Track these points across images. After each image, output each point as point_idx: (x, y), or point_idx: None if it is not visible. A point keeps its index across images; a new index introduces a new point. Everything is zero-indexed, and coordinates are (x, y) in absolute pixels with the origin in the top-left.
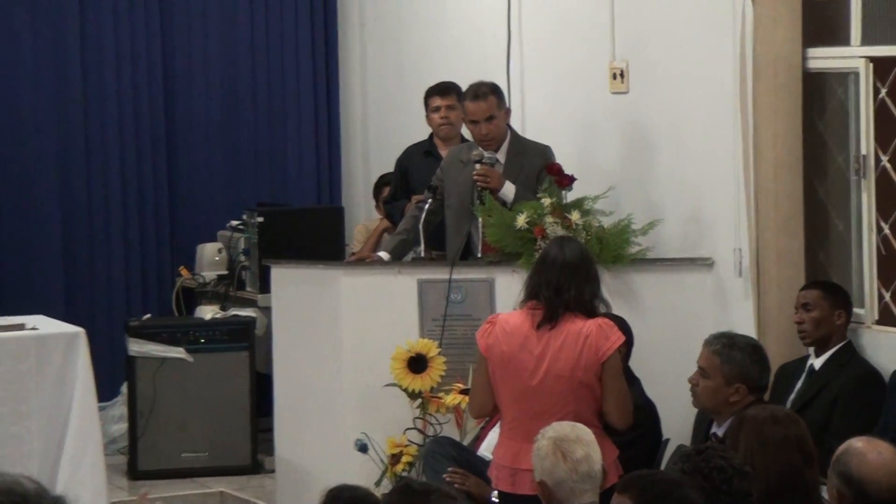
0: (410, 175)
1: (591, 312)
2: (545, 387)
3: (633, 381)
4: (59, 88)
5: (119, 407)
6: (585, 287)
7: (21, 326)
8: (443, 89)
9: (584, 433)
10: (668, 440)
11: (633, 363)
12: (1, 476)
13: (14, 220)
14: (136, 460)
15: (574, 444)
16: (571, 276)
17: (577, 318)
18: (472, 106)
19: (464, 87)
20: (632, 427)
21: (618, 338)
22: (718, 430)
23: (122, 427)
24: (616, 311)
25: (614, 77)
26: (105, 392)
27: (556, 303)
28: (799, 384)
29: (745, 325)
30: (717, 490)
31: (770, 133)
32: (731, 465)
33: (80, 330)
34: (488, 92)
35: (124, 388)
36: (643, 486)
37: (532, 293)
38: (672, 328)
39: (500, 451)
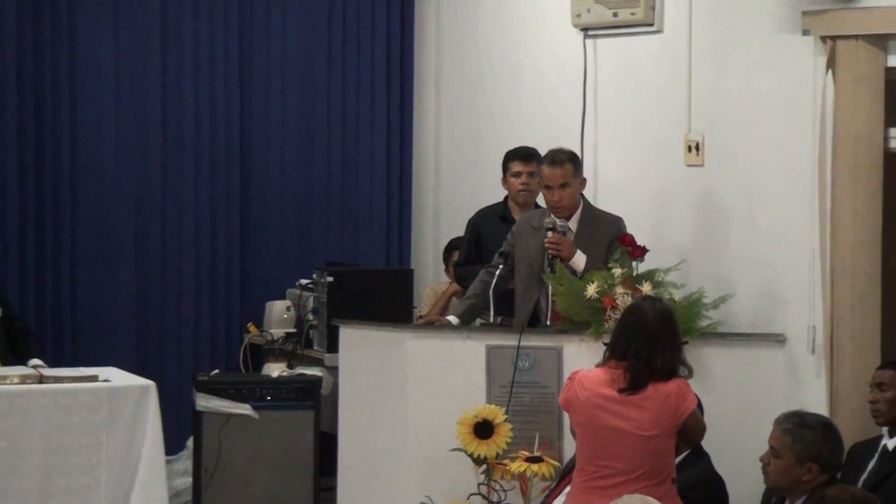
0: (483, 239)
1: (671, 375)
2: (622, 445)
3: (701, 455)
4: (139, 143)
5: (184, 461)
6: (671, 354)
7: (95, 378)
8: (525, 156)
9: None
10: None
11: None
12: None
13: (90, 273)
14: None
15: None
16: (660, 344)
17: (657, 382)
18: (548, 171)
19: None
20: (700, 501)
21: (693, 398)
22: None
23: (186, 481)
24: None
25: (689, 150)
26: (171, 445)
27: (643, 372)
28: (871, 464)
29: (816, 402)
30: None
31: (849, 210)
32: None
33: (150, 383)
34: (566, 159)
35: (190, 443)
36: None
37: (618, 355)
38: (742, 403)
39: (572, 502)
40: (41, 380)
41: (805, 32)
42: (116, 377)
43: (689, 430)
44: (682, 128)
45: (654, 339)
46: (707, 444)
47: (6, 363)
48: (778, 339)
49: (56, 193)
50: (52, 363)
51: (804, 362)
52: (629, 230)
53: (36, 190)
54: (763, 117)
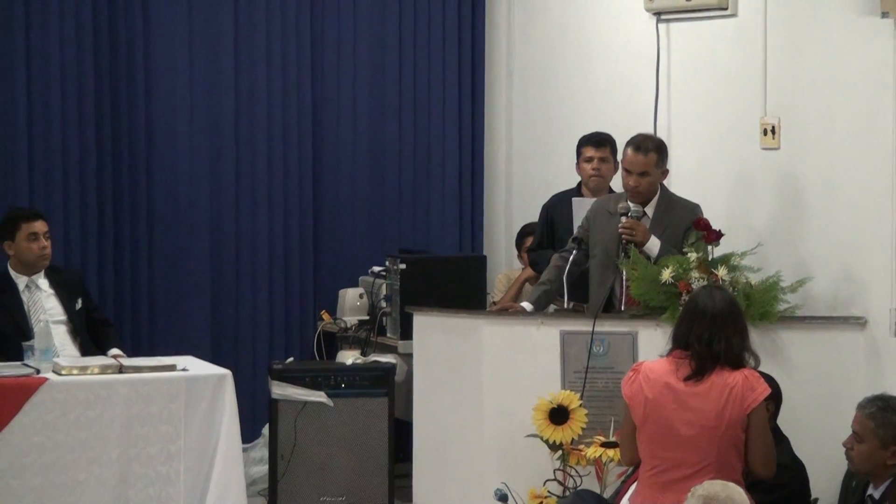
0: (556, 224)
1: (738, 363)
2: (688, 437)
3: (781, 440)
4: (214, 136)
5: (260, 449)
6: (735, 339)
7: (172, 367)
8: (598, 141)
9: (735, 493)
10: (816, 500)
11: (782, 422)
12: None
13: (167, 264)
14: (275, 503)
15: None
16: (722, 328)
17: (723, 370)
18: (630, 155)
19: (619, 141)
20: (780, 486)
21: (764, 389)
22: (875, 492)
23: (262, 469)
24: (764, 368)
25: (765, 133)
26: (247, 434)
27: (706, 357)
28: None
29: None
30: None
31: None
32: None
33: (227, 372)
34: (651, 148)
35: (265, 431)
36: None
37: (680, 343)
38: (822, 388)
39: (639, 500)
40: (121, 370)
41: (884, 14)
42: (193, 366)
43: (755, 439)
44: (758, 111)
45: (713, 323)
46: (787, 428)
47: (87, 354)
48: (858, 322)
49: (133, 186)
50: (131, 353)
51: (886, 345)
52: (705, 214)
53: (113, 184)
54: (840, 100)
